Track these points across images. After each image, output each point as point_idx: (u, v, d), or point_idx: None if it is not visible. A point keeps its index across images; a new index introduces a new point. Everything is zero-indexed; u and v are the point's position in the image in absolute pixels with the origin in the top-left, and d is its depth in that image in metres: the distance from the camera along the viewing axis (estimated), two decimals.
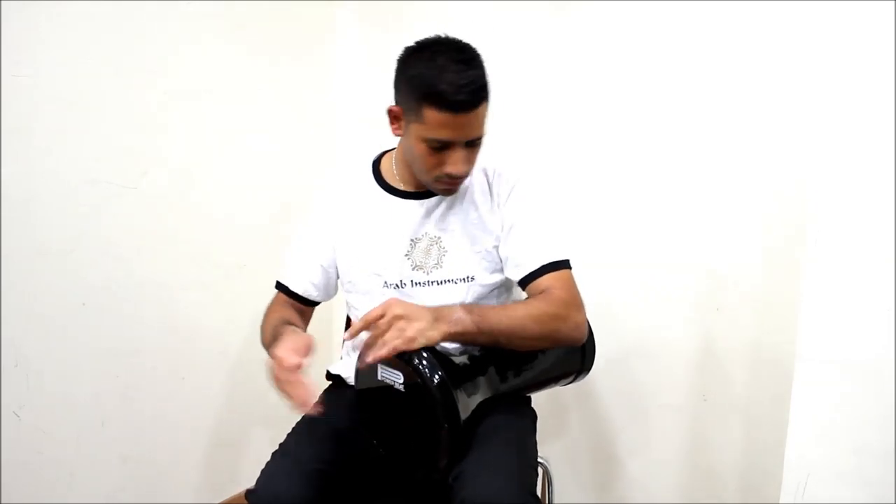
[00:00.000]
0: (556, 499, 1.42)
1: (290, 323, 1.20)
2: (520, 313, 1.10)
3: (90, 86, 1.47)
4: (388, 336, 0.99)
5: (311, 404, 0.99)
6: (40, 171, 1.41)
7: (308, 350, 1.04)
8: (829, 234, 0.86)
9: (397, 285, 1.20)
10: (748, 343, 1.50)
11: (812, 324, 0.88)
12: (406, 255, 1.20)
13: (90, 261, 1.51)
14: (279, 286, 1.30)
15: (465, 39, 1.11)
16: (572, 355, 1.30)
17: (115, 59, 1.51)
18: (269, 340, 1.16)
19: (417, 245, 1.20)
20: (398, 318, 1.00)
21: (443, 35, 1.10)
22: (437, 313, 1.03)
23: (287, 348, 1.02)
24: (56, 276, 1.46)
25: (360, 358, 1.09)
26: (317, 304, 1.32)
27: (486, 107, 1.09)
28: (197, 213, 1.70)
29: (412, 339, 0.99)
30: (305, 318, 1.31)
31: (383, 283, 1.21)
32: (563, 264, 1.17)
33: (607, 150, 1.62)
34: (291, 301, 1.29)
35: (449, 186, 1.16)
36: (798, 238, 1.35)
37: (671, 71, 1.51)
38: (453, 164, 1.10)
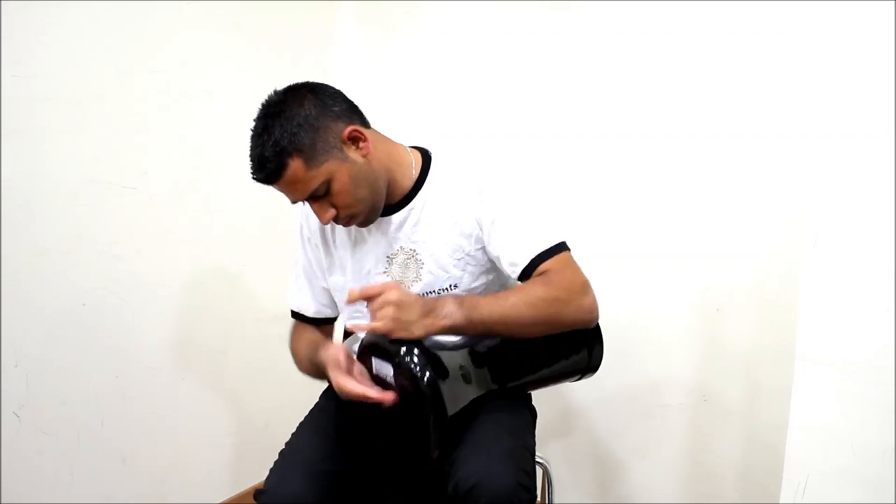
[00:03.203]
0: (556, 499, 1.41)
1: (316, 342, 1.21)
2: (512, 300, 1.04)
3: (90, 86, 1.47)
4: (378, 314, 1.01)
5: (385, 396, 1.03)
6: (40, 171, 1.41)
7: (350, 362, 1.08)
8: (829, 234, 0.86)
9: None
10: (748, 343, 1.50)
11: (812, 324, 0.88)
12: (384, 272, 1.18)
13: (90, 261, 1.51)
14: (294, 314, 1.31)
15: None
16: (578, 354, 1.24)
17: (115, 58, 1.51)
18: (308, 366, 1.21)
19: (394, 261, 1.17)
20: (389, 303, 1.00)
21: (279, 90, 1.08)
22: (428, 307, 1.02)
23: (344, 378, 1.05)
24: (56, 276, 1.46)
25: (360, 346, 1.10)
26: (335, 318, 1.33)
27: (298, 165, 1.02)
28: (197, 213, 1.70)
29: (394, 329, 1.00)
30: (328, 333, 1.32)
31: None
32: (558, 248, 1.10)
33: (607, 150, 1.62)
34: (310, 323, 1.30)
35: (344, 225, 1.14)
36: (798, 238, 1.35)
37: (671, 70, 1.51)
38: (316, 215, 1.10)
